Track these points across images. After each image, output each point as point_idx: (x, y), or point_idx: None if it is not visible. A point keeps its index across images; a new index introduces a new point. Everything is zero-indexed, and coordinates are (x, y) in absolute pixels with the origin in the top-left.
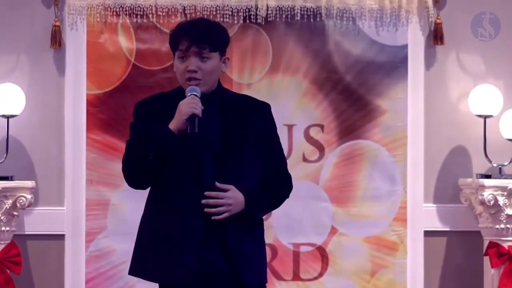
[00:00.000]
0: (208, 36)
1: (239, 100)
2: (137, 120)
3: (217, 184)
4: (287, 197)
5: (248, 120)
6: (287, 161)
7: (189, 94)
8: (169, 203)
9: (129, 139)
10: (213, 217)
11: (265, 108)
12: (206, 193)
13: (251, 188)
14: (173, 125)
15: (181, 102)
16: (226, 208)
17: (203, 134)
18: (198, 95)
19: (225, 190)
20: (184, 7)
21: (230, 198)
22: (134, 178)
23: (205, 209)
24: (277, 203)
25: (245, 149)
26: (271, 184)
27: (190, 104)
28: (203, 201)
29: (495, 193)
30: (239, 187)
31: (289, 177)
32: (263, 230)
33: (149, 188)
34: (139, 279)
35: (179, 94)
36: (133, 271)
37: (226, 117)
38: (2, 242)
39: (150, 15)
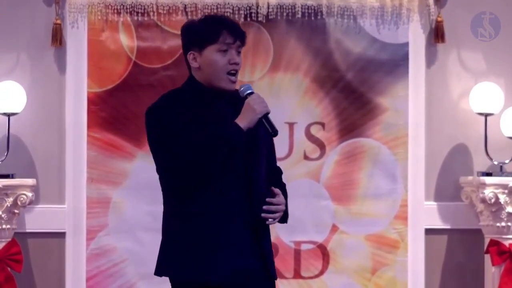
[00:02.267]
0: (243, 32)
1: (240, 97)
2: (173, 119)
3: (272, 188)
4: None
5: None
6: (288, 159)
7: (247, 92)
8: (209, 204)
9: (168, 143)
10: (268, 222)
11: None
12: (268, 199)
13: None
14: (243, 123)
15: (250, 101)
16: (279, 214)
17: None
18: (254, 91)
19: (274, 194)
20: (185, 5)
21: (283, 203)
22: (194, 177)
23: (263, 215)
24: (287, 217)
25: (260, 148)
26: (277, 178)
27: (263, 103)
28: (265, 207)
29: (496, 191)
30: (263, 187)
31: (281, 171)
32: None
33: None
34: (142, 277)
35: (200, 90)
36: (162, 271)
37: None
38: (3, 240)
39: (151, 13)
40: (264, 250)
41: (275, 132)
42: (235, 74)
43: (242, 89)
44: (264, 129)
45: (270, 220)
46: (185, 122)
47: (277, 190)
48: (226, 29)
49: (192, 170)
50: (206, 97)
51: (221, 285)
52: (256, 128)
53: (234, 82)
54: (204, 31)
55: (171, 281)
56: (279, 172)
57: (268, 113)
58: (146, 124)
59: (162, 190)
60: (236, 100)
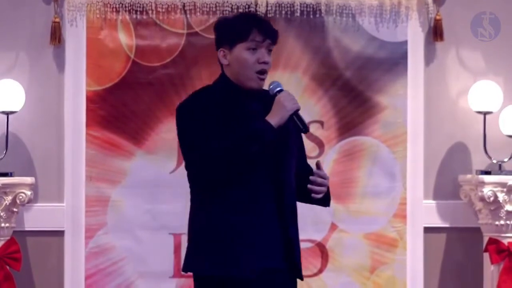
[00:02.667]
0: (275, 30)
1: (270, 96)
2: (196, 120)
3: (318, 161)
4: None
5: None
6: None
7: (277, 89)
8: (238, 200)
9: (195, 140)
10: (313, 195)
11: None
12: (315, 171)
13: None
14: (274, 120)
15: (280, 98)
16: (325, 189)
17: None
18: (284, 89)
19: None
20: (184, 3)
21: (327, 178)
22: (227, 175)
23: (309, 186)
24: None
25: (290, 146)
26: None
27: (293, 100)
28: (312, 178)
29: (494, 189)
30: (291, 182)
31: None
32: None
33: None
34: (140, 275)
35: (230, 89)
36: (190, 268)
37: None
38: (2, 238)
39: (150, 12)
40: (293, 250)
41: (306, 129)
42: (264, 73)
43: (271, 86)
44: (294, 127)
45: (314, 194)
46: (215, 118)
47: (321, 163)
48: (257, 28)
49: (222, 166)
50: (236, 94)
51: (246, 282)
52: (286, 125)
53: (262, 81)
54: (234, 29)
55: (195, 276)
56: (309, 170)
57: (298, 109)
58: (177, 120)
59: (191, 186)
60: (265, 98)
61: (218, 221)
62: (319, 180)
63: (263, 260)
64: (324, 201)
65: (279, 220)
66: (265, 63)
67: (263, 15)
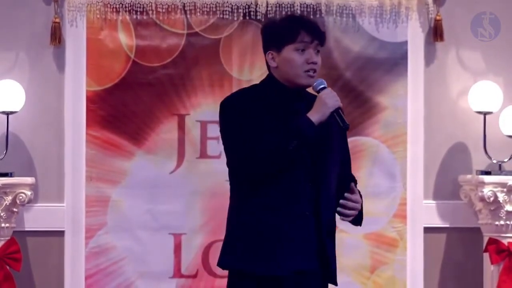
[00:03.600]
0: (323, 32)
1: (316, 96)
2: (240, 114)
3: (352, 185)
4: None
5: (332, 121)
6: None
7: (320, 86)
8: (276, 200)
9: (239, 135)
10: (342, 218)
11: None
12: (346, 195)
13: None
14: (315, 117)
15: (322, 96)
16: (355, 212)
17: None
18: (327, 86)
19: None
20: (184, 3)
21: (359, 202)
22: (266, 169)
23: (339, 209)
24: (362, 220)
25: (331, 151)
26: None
27: (335, 97)
28: (342, 201)
29: (494, 189)
30: (330, 188)
31: (356, 180)
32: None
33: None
34: (140, 275)
35: (275, 87)
36: (226, 263)
37: None
38: (2, 238)
39: (150, 12)
40: (327, 252)
41: (346, 126)
42: (313, 73)
43: (315, 83)
44: (337, 127)
45: (343, 217)
46: (259, 114)
47: (355, 188)
48: (304, 29)
49: (263, 162)
50: (282, 93)
51: (279, 280)
52: (329, 126)
53: (312, 78)
54: (282, 31)
55: (230, 271)
56: (351, 179)
57: (340, 107)
58: (220, 114)
59: (231, 183)
60: (310, 98)
61: (254, 219)
62: (350, 204)
63: (297, 261)
64: (356, 221)
65: (316, 222)
66: (313, 63)
67: (263, 15)
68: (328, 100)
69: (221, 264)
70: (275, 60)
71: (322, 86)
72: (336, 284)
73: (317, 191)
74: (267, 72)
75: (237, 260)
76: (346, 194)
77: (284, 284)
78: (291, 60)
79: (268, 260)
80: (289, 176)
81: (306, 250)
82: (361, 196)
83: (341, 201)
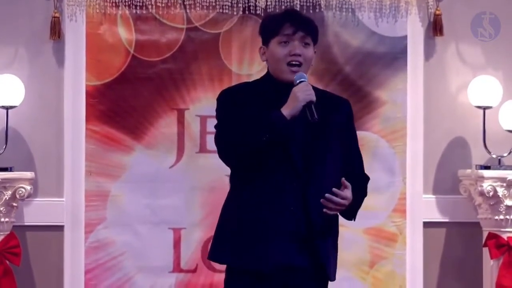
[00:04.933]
0: (311, 24)
1: (321, 95)
2: (229, 106)
3: (343, 180)
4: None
5: (331, 117)
6: None
7: (298, 80)
8: (263, 194)
9: (223, 126)
10: (325, 210)
11: (347, 105)
12: (334, 190)
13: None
14: (287, 111)
15: (295, 89)
16: (340, 208)
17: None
18: (307, 81)
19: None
20: None
21: (348, 199)
22: (240, 161)
23: (322, 201)
24: (360, 206)
25: (328, 146)
26: (358, 185)
27: (307, 91)
28: (327, 195)
29: (494, 184)
30: (323, 184)
31: (368, 179)
32: (338, 231)
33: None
34: (140, 270)
35: (269, 82)
36: (216, 257)
37: None
38: (1, 233)
39: (150, 6)
40: (318, 249)
41: (314, 120)
42: (296, 65)
43: (295, 77)
44: (338, 124)
45: (325, 210)
46: (250, 108)
47: (347, 184)
48: (288, 21)
49: (233, 152)
50: (275, 88)
51: (269, 275)
52: (327, 123)
53: (295, 73)
54: (268, 24)
55: (227, 266)
56: (361, 178)
57: (312, 101)
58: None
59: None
60: None
61: (242, 213)
62: (335, 199)
63: (284, 256)
64: (348, 216)
65: (306, 219)
66: (296, 55)
67: (262, 10)
68: (299, 94)
69: (210, 257)
70: (265, 55)
71: (300, 80)
72: (330, 280)
73: (306, 187)
74: (266, 67)
75: (225, 254)
76: (334, 189)
77: (273, 279)
78: (275, 53)
79: (254, 255)
80: (276, 171)
81: (295, 245)
82: (362, 194)
83: (326, 194)
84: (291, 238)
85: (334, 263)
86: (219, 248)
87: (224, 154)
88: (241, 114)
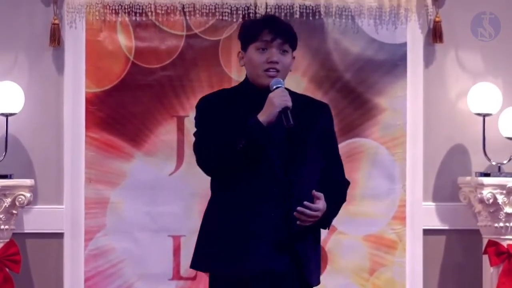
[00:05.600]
0: (289, 31)
1: (300, 100)
2: (207, 113)
3: (314, 192)
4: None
5: (310, 122)
6: None
7: (275, 86)
8: (242, 200)
9: (200, 132)
10: (298, 222)
11: (326, 109)
12: (306, 203)
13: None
14: (263, 117)
15: (271, 95)
16: (314, 220)
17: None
18: (284, 86)
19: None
20: (183, 5)
21: (321, 211)
22: (216, 168)
23: (296, 214)
24: (338, 211)
25: (309, 150)
26: (334, 191)
27: (283, 97)
28: (299, 208)
29: (494, 191)
30: (303, 189)
31: (348, 183)
32: (320, 234)
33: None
34: (140, 277)
35: (247, 88)
36: (197, 265)
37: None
38: (1, 240)
39: (149, 13)
40: (298, 253)
41: (289, 125)
42: (274, 72)
43: (271, 83)
44: (319, 129)
45: (299, 222)
46: (228, 114)
47: (318, 195)
48: (267, 28)
49: (210, 159)
50: (252, 94)
51: (250, 280)
52: (308, 128)
53: (271, 78)
54: (246, 31)
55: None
56: (340, 184)
57: (287, 107)
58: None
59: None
60: None
61: (222, 219)
62: (307, 212)
63: (264, 261)
64: (322, 225)
65: (286, 224)
66: (273, 62)
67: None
68: (275, 100)
69: (193, 265)
70: (243, 60)
71: (276, 86)
72: (314, 285)
73: (287, 192)
74: None
75: (207, 261)
76: (305, 203)
77: (255, 285)
78: (252, 59)
79: (236, 261)
80: (256, 177)
81: (275, 250)
82: (340, 201)
83: (298, 208)
84: (272, 243)
85: (316, 267)
86: (201, 256)
87: (202, 161)
88: (219, 121)
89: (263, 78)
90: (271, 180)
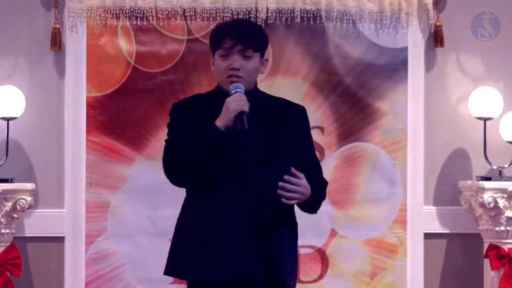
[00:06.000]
0: (252, 36)
1: (275, 103)
2: (176, 119)
3: (293, 169)
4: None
5: (286, 124)
6: None
7: (234, 91)
8: (212, 204)
9: (169, 138)
10: (283, 200)
11: (302, 112)
12: (286, 177)
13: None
14: (220, 122)
15: (228, 100)
16: (298, 195)
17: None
18: (243, 91)
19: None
20: (184, 9)
21: (304, 187)
22: (179, 176)
23: (279, 191)
24: (317, 210)
25: (283, 153)
26: (313, 189)
27: (239, 101)
28: (281, 184)
29: (495, 195)
30: (275, 193)
31: (326, 184)
32: (297, 236)
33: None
34: (140, 281)
35: (217, 94)
36: (170, 271)
37: (263, 119)
38: (2, 244)
39: (150, 18)
40: (273, 256)
41: (244, 130)
42: (235, 78)
43: (230, 88)
44: (290, 132)
45: (283, 199)
46: (197, 120)
47: (299, 174)
48: (229, 34)
49: (172, 166)
50: (221, 100)
51: (222, 286)
52: (279, 131)
53: (234, 84)
54: (211, 37)
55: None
56: (317, 184)
57: (243, 111)
58: None
59: None
60: (259, 102)
61: (193, 225)
62: (289, 186)
63: (234, 266)
64: (310, 208)
65: (259, 228)
66: (235, 69)
67: (263, 21)
68: (230, 105)
69: (166, 271)
70: (213, 65)
71: (235, 91)
72: (289, 287)
73: (259, 196)
74: (267, 78)
75: (179, 268)
76: (285, 177)
77: None
78: (217, 66)
79: (208, 267)
80: (227, 182)
81: (249, 254)
82: (320, 197)
83: (280, 183)
84: (245, 247)
85: (292, 269)
86: (173, 263)
87: (165, 168)
88: (190, 127)
89: (227, 84)
90: (242, 184)
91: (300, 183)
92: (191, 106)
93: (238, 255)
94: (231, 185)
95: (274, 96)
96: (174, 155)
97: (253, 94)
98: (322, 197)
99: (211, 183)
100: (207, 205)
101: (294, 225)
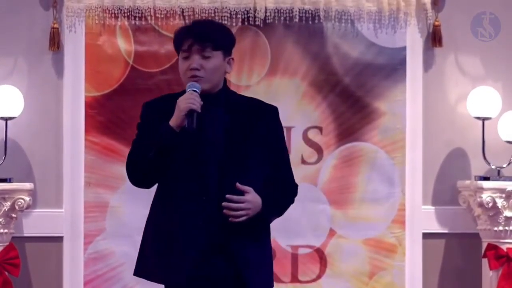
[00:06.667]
0: (210, 34)
1: (246, 102)
2: (144, 119)
3: (238, 185)
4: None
5: (255, 124)
6: None
7: (188, 90)
8: (173, 204)
9: (135, 138)
10: (230, 219)
11: (273, 112)
12: (227, 196)
13: (261, 193)
14: (172, 122)
15: (179, 98)
16: (245, 212)
17: (207, 133)
18: (197, 91)
19: (243, 192)
20: (183, 9)
21: (250, 202)
22: (136, 177)
23: (224, 211)
24: (283, 211)
25: (251, 154)
26: (279, 192)
27: (188, 100)
28: (224, 204)
29: (493, 195)
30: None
31: (295, 186)
32: (269, 234)
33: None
34: (139, 281)
35: (183, 94)
36: (137, 272)
37: (232, 119)
38: (1, 244)
39: (149, 17)
40: (236, 256)
41: (190, 129)
42: (196, 78)
43: (186, 87)
44: (262, 132)
45: (231, 219)
46: (151, 120)
47: (246, 188)
48: (187, 35)
49: (129, 166)
50: None
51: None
52: (248, 131)
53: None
54: (174, 40)
55: None
56: (285, 186)
57: (192, 110)
58: None
59: None
60: (228, 102)
61: (157, 226)
62: (233, 205)
63: (199, 267)
64: (259, 220)
65: (222, 228)
66: (194, 69)
67: (261, 21)
68: (180, 103)
69: (134, 272)
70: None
71: (188, 90)
72: None
73: (223, 196)
74: (266, 78)
75: (145, 269)
76: (227, 196)
77: None
78: (179, 67)
79: (170, 268)
80: (191, 181)
81: (211, 255)
82: (285, 202)
83: (223, 203)
84: (207, 249)
85: (260, 269)
86: (140, 263)
87: (127, 167)
88: (151, 127)
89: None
90: (207, 184)
91: (243, 200)
92: (161, 106)
93: (199, 256)
94: (191, 187)
95: (245, 96)
96: (131, 154)
97: (222, 94)
98: (290, 200)
99: (173, 184)
100: (168, 207)
101: (267, 228)
